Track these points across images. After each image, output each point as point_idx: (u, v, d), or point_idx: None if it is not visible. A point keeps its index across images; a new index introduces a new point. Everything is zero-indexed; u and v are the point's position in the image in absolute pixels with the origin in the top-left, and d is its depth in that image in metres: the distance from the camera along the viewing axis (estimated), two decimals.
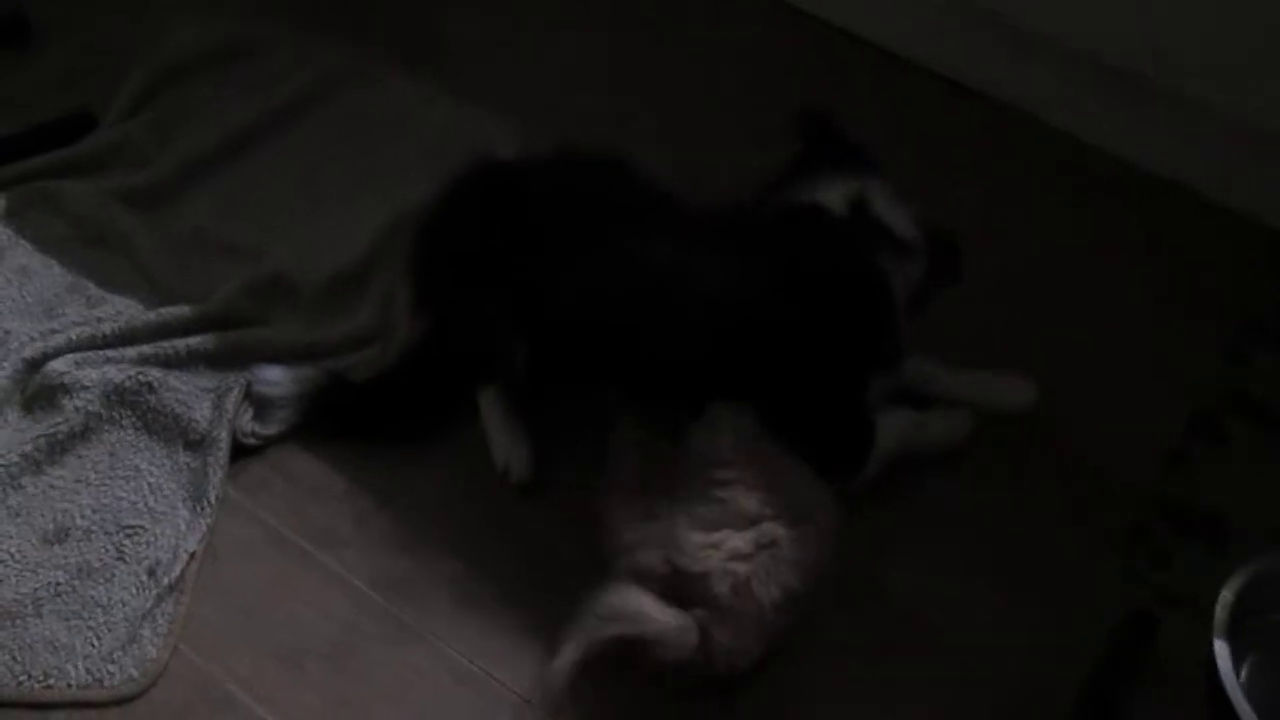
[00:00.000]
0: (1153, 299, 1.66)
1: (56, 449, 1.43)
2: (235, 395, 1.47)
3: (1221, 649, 1.13)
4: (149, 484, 1.43)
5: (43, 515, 1.40)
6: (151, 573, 1.35)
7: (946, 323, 1.47)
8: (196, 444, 1.46)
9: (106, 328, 1.52)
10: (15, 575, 1.34)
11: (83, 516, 1.39)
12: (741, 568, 1.22)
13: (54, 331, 1.53)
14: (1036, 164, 1.83)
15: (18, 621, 1.31)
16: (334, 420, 1.49)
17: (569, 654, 1.18)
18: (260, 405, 1.47)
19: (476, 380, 1.49)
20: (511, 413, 1.47)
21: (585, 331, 1.39)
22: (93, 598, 1.33)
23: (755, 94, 1.92)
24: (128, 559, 1.36)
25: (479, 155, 1.54)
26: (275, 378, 1.47)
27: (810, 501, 1.28)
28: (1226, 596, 1.16)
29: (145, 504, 1.41)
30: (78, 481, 1.42)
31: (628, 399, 1.41)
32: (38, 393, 1.47)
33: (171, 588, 1.34)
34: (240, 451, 1.46)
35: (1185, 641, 1.27)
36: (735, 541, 1.23)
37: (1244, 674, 1.13)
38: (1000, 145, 1.85)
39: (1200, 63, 1.65)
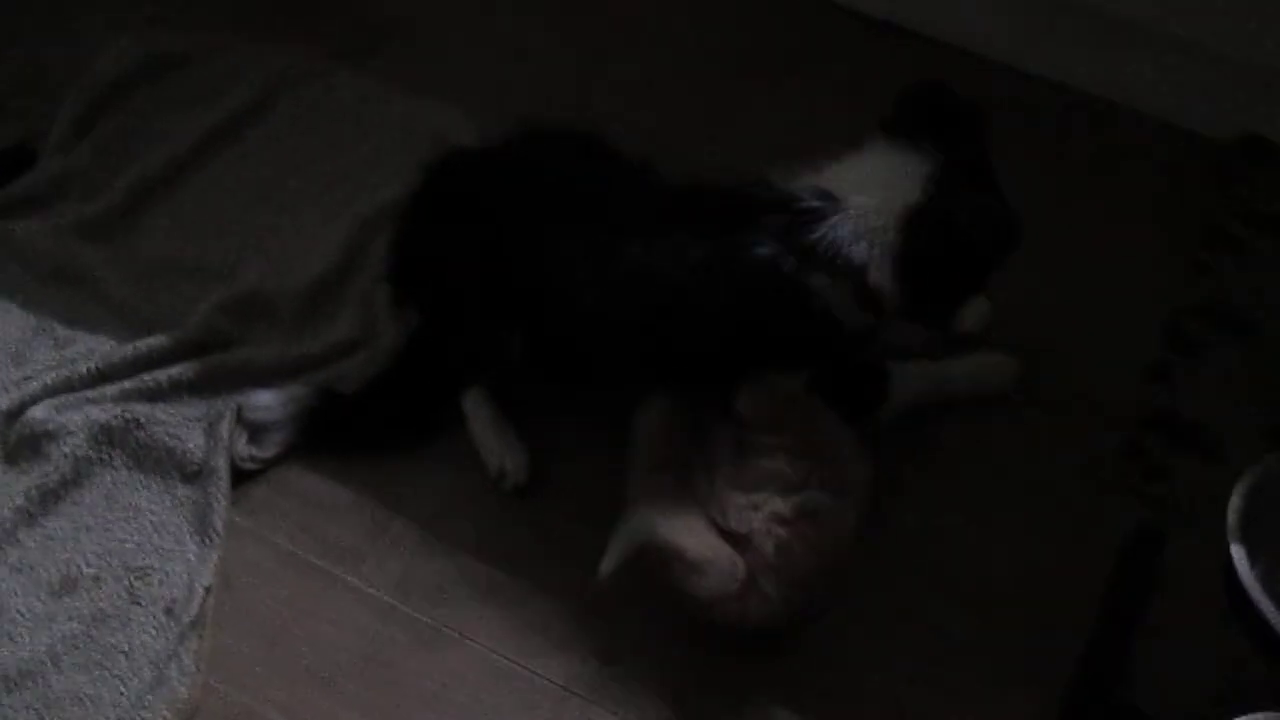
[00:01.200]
0: (1109, 218, 1.69)
1: (50, 498, 1.39)
2: (227, 421, 1.44)
3: (1238, 552, 1.16)
4: (151, 522, 1.39)
5: (46, 568, 1.36)
6: (169, 611, 1.32)
7: None
8: (194, 475, 1.42)
9: (82, 367, 1.47)
10: (28, 632, 1.31)
11: (88, 564, 1.36)
12: (783, 531, 1.23)
13: (26, 379, 1.47)
14: (980, 93, 1.84)
15: (38, 679, 1.27)
16: (331, 435, 1.46)
17: (615, 552, 1.20)
18: (254, 430, 1.44)
19: (460, 382, 1.46)
20: (500, 414, 1.45)
21: (571, 322, 1.38)
22: (112, 645, 1.30)
23: (720, 64, 1.90)
24: (142, 601, 1.33)
25: (446, 146, 1.51)
26: (266, 401, 1.44)
27: (854, 476, 1.28)
28: (1236, 501, 1.20)
29: (151, 543, 1.38)
30: (77, 528, 1.38)
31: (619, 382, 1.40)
32: (20, 443, 1.42)
33: (192, 624, 1.31)
34: (240, 476, 1.43)
35: (1191, 551, 1.31)
36: (776, 505, 1.24)
37: (1257, 577, 1.18)
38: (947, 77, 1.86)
39: None
